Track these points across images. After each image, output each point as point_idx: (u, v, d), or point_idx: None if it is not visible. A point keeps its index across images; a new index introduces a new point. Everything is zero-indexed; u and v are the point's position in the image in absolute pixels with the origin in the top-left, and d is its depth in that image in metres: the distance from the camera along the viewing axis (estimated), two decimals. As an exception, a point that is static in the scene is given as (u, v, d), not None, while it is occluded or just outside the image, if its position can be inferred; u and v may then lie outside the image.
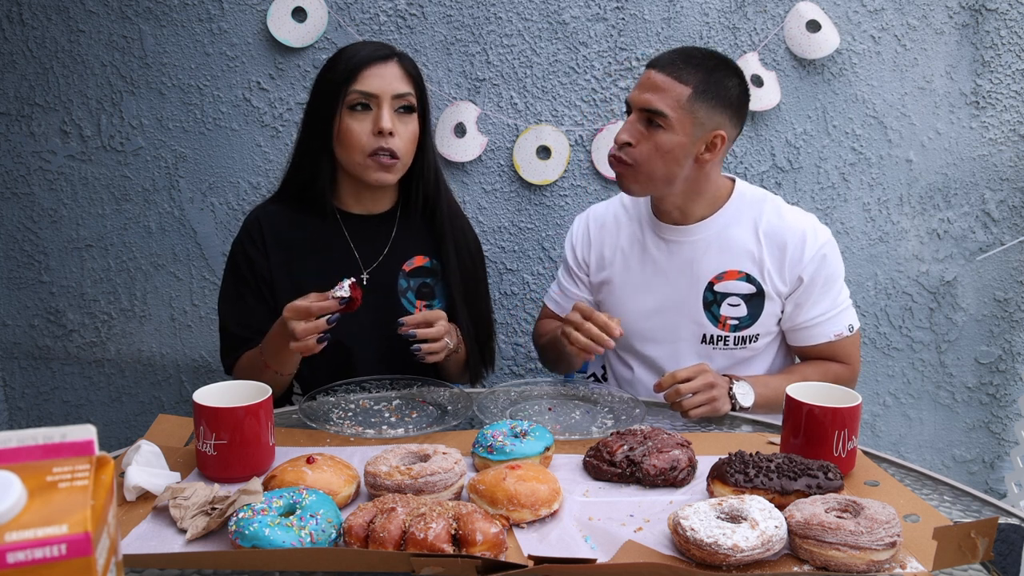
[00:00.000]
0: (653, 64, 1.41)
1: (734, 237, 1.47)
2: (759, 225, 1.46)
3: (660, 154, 1.38)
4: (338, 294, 1.20)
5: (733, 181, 1.52)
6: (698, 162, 1.41)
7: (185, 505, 0.90)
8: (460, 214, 1.60)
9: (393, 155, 1.38)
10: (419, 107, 1.43)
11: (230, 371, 1.46)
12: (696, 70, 1.37)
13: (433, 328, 1.35)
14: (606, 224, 1.59)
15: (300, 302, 1.22)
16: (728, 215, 1.48)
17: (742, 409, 1.34)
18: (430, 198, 1.52)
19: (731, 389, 1.34)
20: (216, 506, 0.89)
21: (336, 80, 1.39)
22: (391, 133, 1.37)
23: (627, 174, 1.42)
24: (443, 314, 1.38)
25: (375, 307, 1.45)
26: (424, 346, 1.34)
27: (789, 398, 1.08)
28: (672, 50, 1.43)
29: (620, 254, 1.56)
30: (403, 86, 1.39)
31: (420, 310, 1.49)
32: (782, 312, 1.48)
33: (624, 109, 1.45)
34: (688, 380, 1.28)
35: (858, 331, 1.49)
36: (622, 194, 1.62)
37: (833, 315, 1.46)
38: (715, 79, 1.38)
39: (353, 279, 1.23)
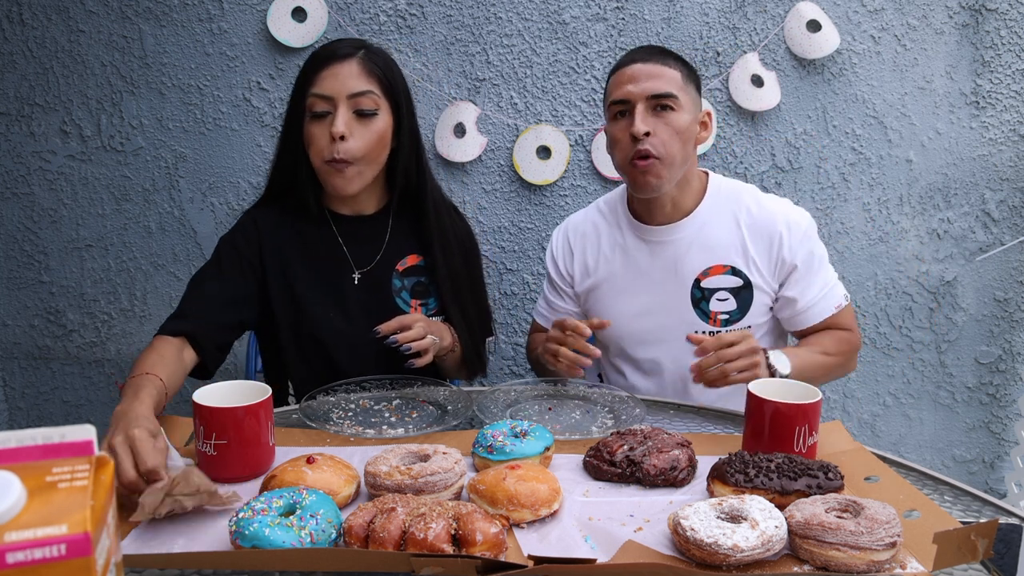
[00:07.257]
0: (629, 61, 1.42)
1: (715, 232, 1.48)
2: (740, 217, 1.48)
3: (678, 136, 1.40)
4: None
5: (706, 174, 1.53)
6: (696, 143, 1.46)
7: (156, 489, 0.87)
8: (448, 209, 1.56)
9: (347, 161, 1.34)
10: (391, 102, 1.38)
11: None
12: (672, 58, 1.43)
13: (412, 330, 1.33)
14: (586, 232, 1.59)
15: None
16: (706, 210, 1.49)
17: (780, 376, 1.29)
18: (412, 195, 1.48)
19: (768, 358, 1.31)
20: (173, 492, 0.87)
21: (298, 84, 1.38)
22: (342, 137, 1.32)
23: (653, 167, 1.39)
24: (419, 316, 1.38)
25: (370, 308, 1.43)
26: (414, 345, 1.33)
27: (751, 395, 1.08)
28: (632, 50, 1.46)
29: (603, 260, 1.55)
30: (361, 84, 1.34)
31: (416, 309, 1.48)
32: (775, 301, 1.49)
33: (619, 110, 1.44)
34: (733, 345, 1.23)
35: (850, 300, 1.52)
36: (599, 200, 1.63)
37: (829, 289, 1.48)
38: (687, 65, 1.44)
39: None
